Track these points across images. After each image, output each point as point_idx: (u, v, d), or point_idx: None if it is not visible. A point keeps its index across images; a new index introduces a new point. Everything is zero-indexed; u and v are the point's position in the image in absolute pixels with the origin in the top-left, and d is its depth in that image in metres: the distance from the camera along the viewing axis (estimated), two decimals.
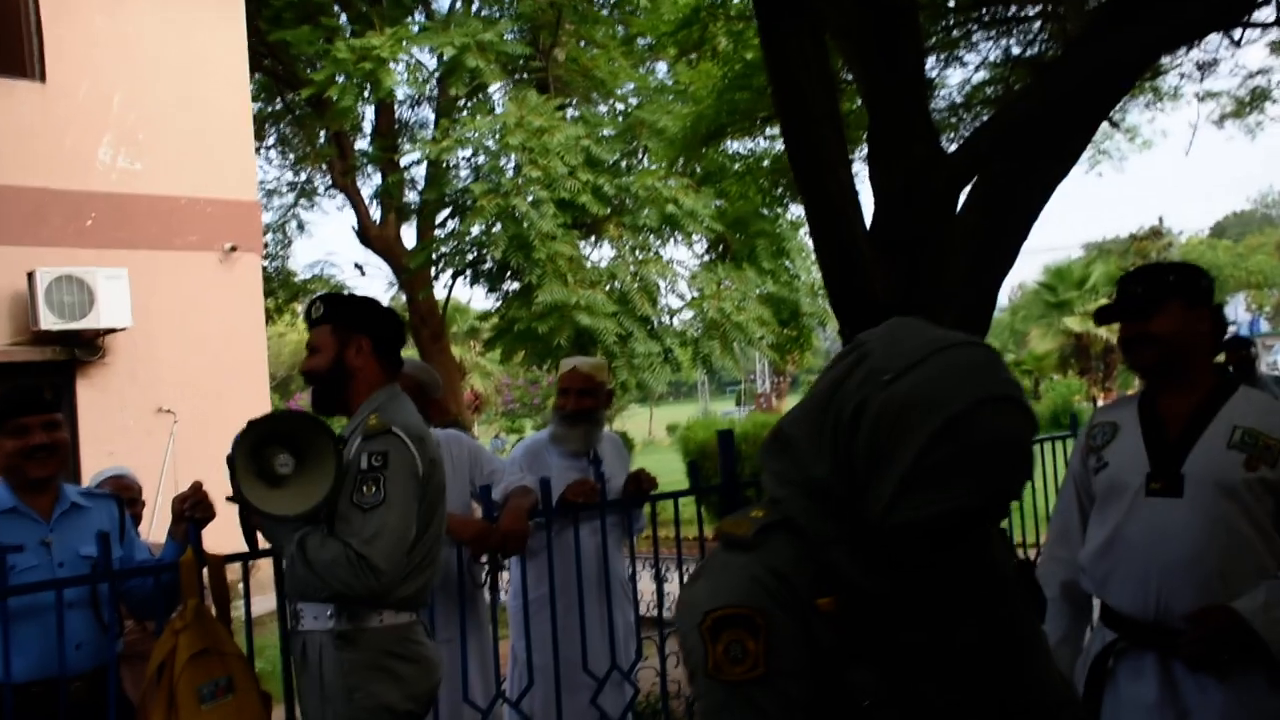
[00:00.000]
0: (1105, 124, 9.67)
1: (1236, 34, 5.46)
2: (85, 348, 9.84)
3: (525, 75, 14.56)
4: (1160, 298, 2.68)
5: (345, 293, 3.07)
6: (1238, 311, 29.56)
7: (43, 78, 9.96)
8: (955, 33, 7.57)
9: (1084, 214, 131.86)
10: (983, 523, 1.32)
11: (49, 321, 9.34)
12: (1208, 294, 2.74)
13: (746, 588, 1.36)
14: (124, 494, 4.19)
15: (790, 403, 29.25)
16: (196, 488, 3.15)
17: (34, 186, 9.71)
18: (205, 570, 3.04)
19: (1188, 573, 2.52)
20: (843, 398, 1.34)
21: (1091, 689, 2.69)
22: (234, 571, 3.27)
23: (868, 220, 4.30)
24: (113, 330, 9.76)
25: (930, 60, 7.68)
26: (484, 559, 4.05)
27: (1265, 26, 5.34)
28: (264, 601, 6.46)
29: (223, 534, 3.27)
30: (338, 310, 3.03)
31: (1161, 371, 2.71)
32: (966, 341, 1.34)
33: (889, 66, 4.12)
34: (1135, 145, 9.81)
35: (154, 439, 10.03)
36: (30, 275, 9.34)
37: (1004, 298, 56.61)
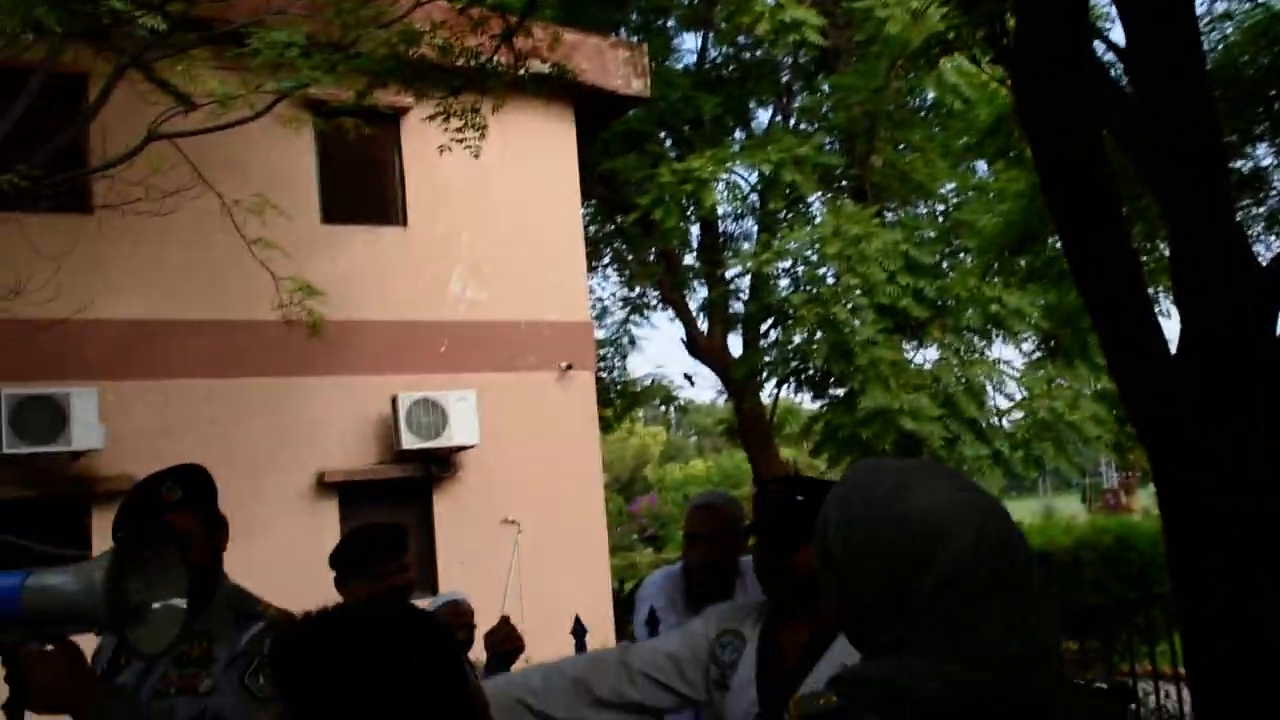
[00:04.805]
0: None
1: None
2: (440, 465, 10.77)
3: (842, 184, 14.79)
4: (807, 529, 2.32)
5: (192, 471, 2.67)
6: None
7: (405, 222, 11.16)
8: None
9: None
10: None
11: (409, 442, 10.31)
12: None
13: None
14: (458, 620, 4.58)
15: (1141, 499, 27.23)
16: (504, 622, 3.39)
17: (397, 320, 10.83)
18: None
19: None
20: None
21: None
22: None
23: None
24: (463, 448, 10.64)
25: (1262, 148, 7.25)
26: None
27: None
28: None
29: None
30: (200, 494, 2.67)
31: (791, 606, 2.49)
32: None
33: (1188, 186, 3.98)
34: None
35: (500, 548, 10.77)
36: (394, 400, 10.38)
37: None
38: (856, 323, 12.41)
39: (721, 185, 13.73)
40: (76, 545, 8.82)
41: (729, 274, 15.67)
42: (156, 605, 2.04)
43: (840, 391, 13.42)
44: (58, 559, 2.01)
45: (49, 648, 2.09)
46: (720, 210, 14.92)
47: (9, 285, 8.22)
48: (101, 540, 8.68)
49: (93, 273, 9.42)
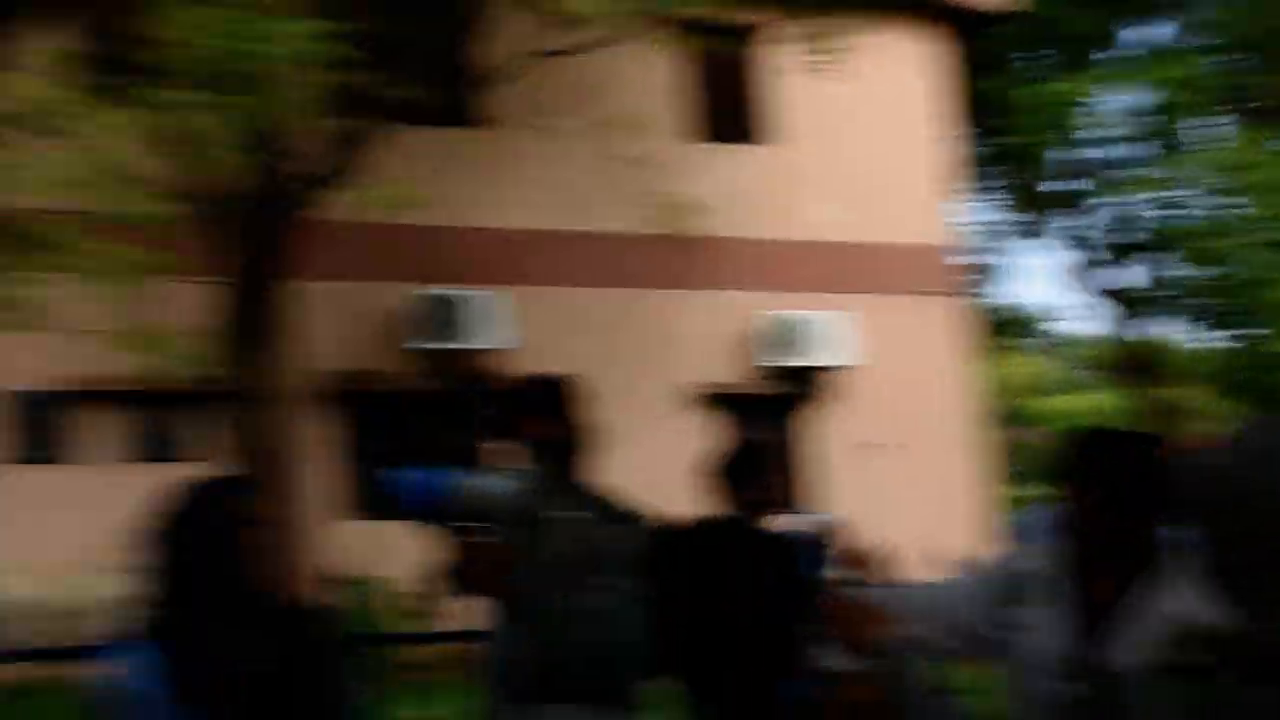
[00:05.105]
0: None
1: None
2: (803, 383, 10.90)
3: (1244, 107, 13.39)
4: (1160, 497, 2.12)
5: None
6: None
7: (770, 141, 11.30)
8: None
9: None
10: None
11: (773, 358, 10.55)
12: None
13: None
14: (823, 539, 4.76)
15: None
16: (858, 549, 3.48)
17: (759, 238, 10.99)
18: None
19: None
20: None
21: None
22: None
23: None
24: (826, 368, 10.72)
25: None
26: None
27: None
28: None
29: None
30: (569, 402, 2.77)
31: (1103, 554, 2.26)
32: None
33: None
34: None
35: (860, 468, 10.82)
36: (757, 316, 10.65)
37: None
38: (1268, 257, 11.32)
39: (1100, 107, 12.82)
40: (471, 438, 9.72)
41: (1109, 202, 14.67)
42: (555, 514, 2.37)
43: (1245, 332, 12.34)
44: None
45: (484, 540, 2.39)
46: (1102, 134, 13.95)
47: (415, 196, 8.98)
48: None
49: (485, 184, 10.20)
